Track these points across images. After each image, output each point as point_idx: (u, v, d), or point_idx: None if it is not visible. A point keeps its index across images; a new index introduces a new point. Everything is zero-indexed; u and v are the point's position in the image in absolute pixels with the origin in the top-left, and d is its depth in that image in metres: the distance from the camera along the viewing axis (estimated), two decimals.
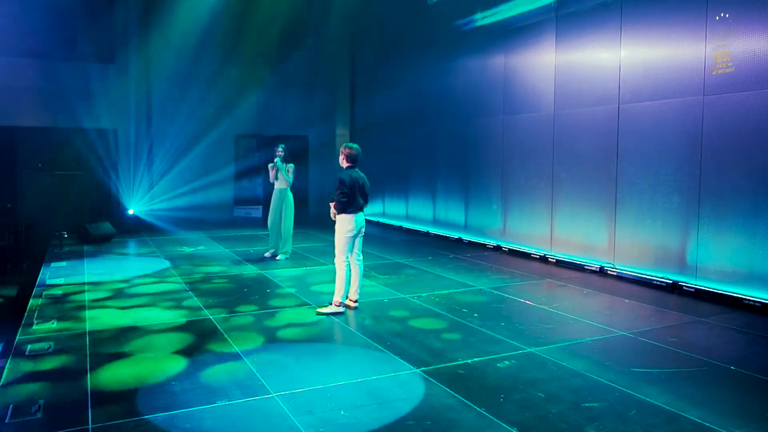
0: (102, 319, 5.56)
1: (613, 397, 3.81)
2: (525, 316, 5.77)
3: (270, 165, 8.60)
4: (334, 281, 5.89)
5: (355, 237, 5.85)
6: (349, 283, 5.89)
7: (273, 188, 8.71)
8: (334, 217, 5.86)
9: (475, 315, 5.76)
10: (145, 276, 7.58)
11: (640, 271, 7.28)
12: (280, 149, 8.58)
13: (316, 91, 14.89)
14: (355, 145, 6.00)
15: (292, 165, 8.59)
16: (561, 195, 8.49)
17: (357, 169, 5.94)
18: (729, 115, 6.22)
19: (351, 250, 5.88)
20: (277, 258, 8.65)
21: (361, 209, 5.86)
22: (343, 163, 5.95)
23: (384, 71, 13.49)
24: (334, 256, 5.92)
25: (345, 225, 5.78)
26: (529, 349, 4.75)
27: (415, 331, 5.22)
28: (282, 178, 8.56)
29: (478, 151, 10.26)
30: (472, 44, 10.37)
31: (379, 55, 13.73)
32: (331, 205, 5.85)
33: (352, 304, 5.97)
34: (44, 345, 4.74)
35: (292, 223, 8.70)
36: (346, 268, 5.84)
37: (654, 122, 7.05)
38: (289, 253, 8.74)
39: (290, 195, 8.65)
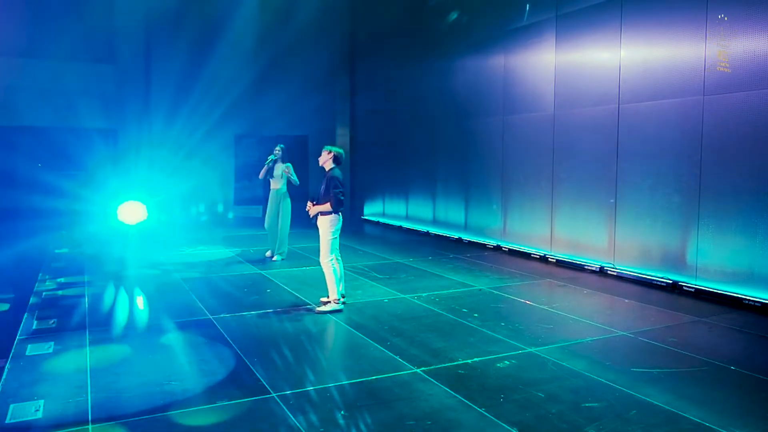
0: (102, 319, 5.57)
1: (613, 397, 3.81)
2: (525, 316, 5.77)
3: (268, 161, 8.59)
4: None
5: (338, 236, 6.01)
6: (338, 279, 5.95)
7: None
8: (312, 214, 5.90)
9: (475, 315, 5.77)
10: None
11: (640, 271, 7.28)
12: (277, 149, 8.58)
13: (316, 91, 14.89)
14: (341, 149, 6.21)
15: (289, 164, 8.54)
16: (561, 195, 8.49)
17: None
18: (729, 115, 6.22)
19: (337, 248, 5.99)
20: (273, 259, 8.64)
21: None
22: (330, 164, 6.02)
23: (384, 71, 13.48)
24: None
25: (334, 224, 5.89)
26: (529, 349, 4.75)
27: (415, 331, 5.22)
28: (276, 178, 8.54)
29: (478, 151, 10.26)
30: (472, 44, 10.37)
31: (379, 55, 13.73)
32: (310, 204, 5.88)
33: (340, 299, 6.04)
34: (44, 344, 4.74)
35: (289, 225, 8.67)
36: (333, 266, 5.90)
37: (654, 122, 7.05)
38: (285, 254, 8.73)
39: (288, 197, 8.63)
